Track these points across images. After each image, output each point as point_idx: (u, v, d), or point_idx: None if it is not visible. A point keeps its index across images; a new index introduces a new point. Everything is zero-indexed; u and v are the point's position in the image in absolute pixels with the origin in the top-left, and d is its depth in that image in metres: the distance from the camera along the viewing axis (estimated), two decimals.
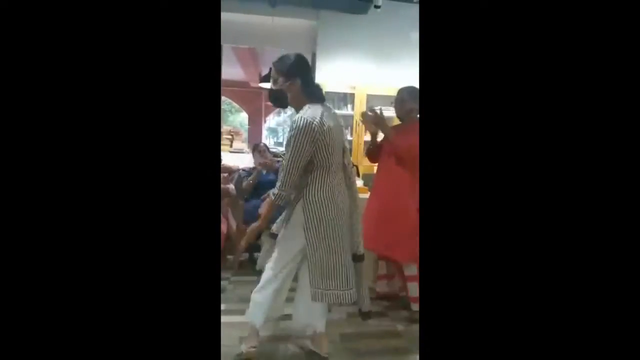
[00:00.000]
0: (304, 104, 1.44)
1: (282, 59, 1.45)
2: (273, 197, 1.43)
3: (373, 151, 2.14)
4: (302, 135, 1.35)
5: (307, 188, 1.46)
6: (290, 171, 1.38)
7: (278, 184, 1.42)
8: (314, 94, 1.46)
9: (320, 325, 1.61)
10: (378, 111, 1.94)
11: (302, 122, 1.35)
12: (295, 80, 1.42)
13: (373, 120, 1.96)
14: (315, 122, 1.36)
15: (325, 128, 1.39)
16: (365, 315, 1.63)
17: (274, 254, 1.56)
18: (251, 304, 1.58)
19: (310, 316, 1.60)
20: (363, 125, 3.64)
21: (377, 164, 2.17)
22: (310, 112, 1.39)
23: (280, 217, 1.60)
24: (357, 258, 1.58)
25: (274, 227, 1.62)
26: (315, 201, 1.44)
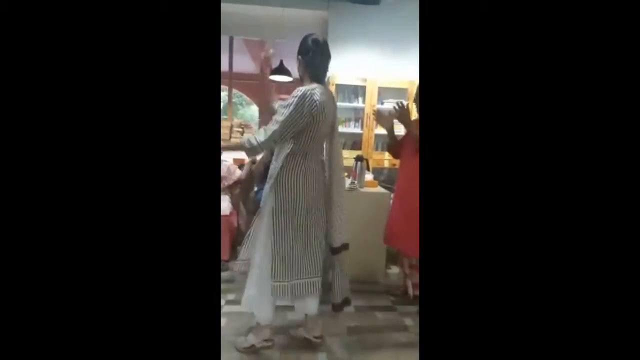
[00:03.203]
0: (307, 81, 1.52)
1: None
2: (247, 145, 1.43)
3: (394, 146, 2.14)
4: (302, 102, 1.41)
5: (280, 171, 1.48)
6: (279, 132, 1.41)
7: (260, 137, 1.42)
8: (313, 75, 1.53)
9: (310, 308, 1.62)
10: (399, 105, 1.96)
11: (305, 91, 1.43)
12: (300, 58, 1.53)
13: (398, 115, 1.98)
14: (315, 96, 1.43)
15: (321, 107, 1.44)
16: (337, 307, 1.63)
17: (260, 246, 1.54)
18: (254, 300, 1.57)
19: (301, 299, 1.60)
20: (374, 119, 3.63)
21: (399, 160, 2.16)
22: (312, 88, 1.46)
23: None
24: (334, 250, 1.60)
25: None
26: (287, 186, 1.48)
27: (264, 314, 1.58)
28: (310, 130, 1.46)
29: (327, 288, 1.64)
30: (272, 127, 1.42)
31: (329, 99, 1.52)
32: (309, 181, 1.50)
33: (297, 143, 1.47)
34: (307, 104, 1.41)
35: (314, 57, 1.50)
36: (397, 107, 1.97)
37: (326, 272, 1.63)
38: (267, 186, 1.55)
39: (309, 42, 1.51)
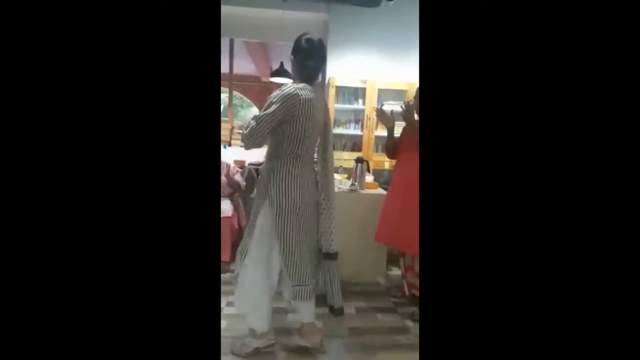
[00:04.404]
0: (297, 81, 1.50)
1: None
2: (245, 131, 1.39)
3: (392, 147, 2.14)
4: (285, 98, 1.38)
5: (272, 175, 1.45)
6: (256, 128, 1.37)
7: (246, 131, 1.39)
8: (304, 75, 1.50)
9: (306, 316, 1.61)
10: (403, 106, 1.99)
11: (290, 89, 1.40)
12: (293, 57, 1.51)
13: (403, 114, 2.00)
14: (301, 96, 1.40)
15: (307, 106, 1.42)
16: (338, 312, 1.65)
17: (254, 251, 1.51)
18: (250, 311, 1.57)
19: (296, 306, 1.61)
20: (375, 120, 3.63)
21: (395, 160, 2.17)
22: (300, 87, 1.44)
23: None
24: (330, 256, 1.60)
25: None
26: (281, 191, 1.44)
27: (261, 322, 1.57)
28: (297, 131, 1.42)
29: (319, 295, 1.63)
30: (252, 122, 1.39)
31: (318, 99, 1.49)
32: (302, 185, 1.47)
33: (287, 145, 1.44)
34: (289, 102, 1.38)
35: (306, 58, 1.47)
36: (403, 107, 2.01)
37: (318, 278, 1.62)
38: (257, 193, 1.51)
39: (302, 42, 1.48)
